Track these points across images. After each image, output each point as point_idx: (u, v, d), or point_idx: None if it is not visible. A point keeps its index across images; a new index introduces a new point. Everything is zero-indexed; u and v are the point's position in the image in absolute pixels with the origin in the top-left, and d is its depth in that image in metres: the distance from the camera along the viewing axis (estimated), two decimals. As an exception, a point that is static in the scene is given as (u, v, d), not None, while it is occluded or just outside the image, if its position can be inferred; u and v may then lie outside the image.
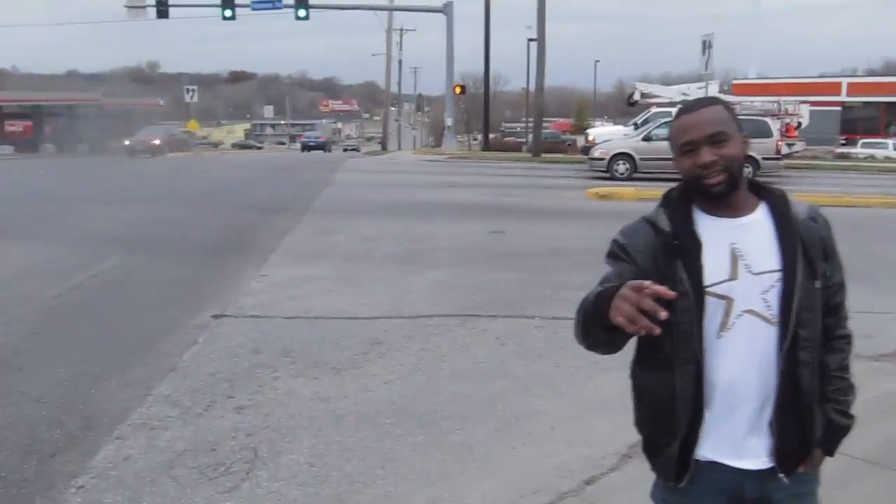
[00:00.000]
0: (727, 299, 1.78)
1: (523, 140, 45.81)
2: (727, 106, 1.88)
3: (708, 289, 1.77)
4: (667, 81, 33.88)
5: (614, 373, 5.38)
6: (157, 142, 39.23)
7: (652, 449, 1.96)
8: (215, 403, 4.74)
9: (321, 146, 55.99)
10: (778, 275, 1.78)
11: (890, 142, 40.11)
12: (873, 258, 8.92)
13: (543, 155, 32.18)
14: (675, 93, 26.15)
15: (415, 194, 17.20)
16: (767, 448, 1.82)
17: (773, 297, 1.78)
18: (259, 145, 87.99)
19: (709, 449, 1.84)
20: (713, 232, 1.82)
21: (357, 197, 16.78)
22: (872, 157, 35.16)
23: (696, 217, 1.85)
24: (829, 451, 1.94)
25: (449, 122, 35.86)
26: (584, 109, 78.30)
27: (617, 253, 1.90)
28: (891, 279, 8.23)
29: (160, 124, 50.77)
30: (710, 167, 1.77)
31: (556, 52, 34.13)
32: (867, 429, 3.11)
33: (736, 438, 1.82)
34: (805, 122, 25.82)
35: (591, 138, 29.10)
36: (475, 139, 52.74)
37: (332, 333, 6.23)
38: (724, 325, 1.79)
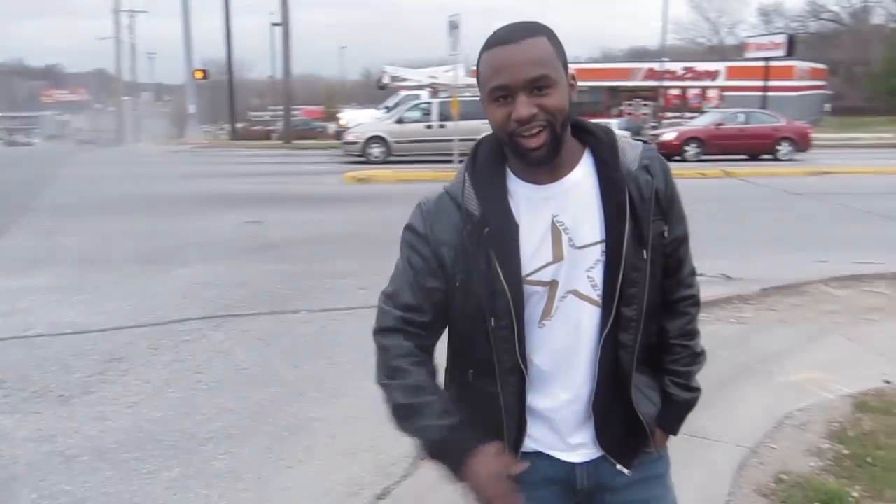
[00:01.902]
0: (552, 283, 1.46)
1: (273, 128, 44.35)
2: (552, 35, 1.42)
3: (528, 278, 1.45)
4: (412, 67, 34.31)
5: (394, 365, 5.01)
6: None
7: None
8: None
9: None
10: (602, 246, 1.45)
11: (614, 121, 44.23)
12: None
13: (295, 142, 31.32)
14: (423, 76, 26.43)
15: (159, 187, 15.69)
16: (594, 437, 1.55)
17: (599, 274, 1.46)
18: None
19: (533, 441, 1.56)
20: (531, 204, 1.46)
21: (91, 193, 14.93)
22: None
23: (510, 185, 1.48)
24: (671, 430, 1.65)
25: (191, 109, 33.60)
26: (333, 96, 77.84)
27: (415, 245, 1.52)
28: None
29: None
30: (528, 122, 1.36)
31: (301, 40, 33.26)
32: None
33: (563, 431, 1.55)
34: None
35: (343, 122, 28.73)
36: (222, 129, 50.14)
37: (59, 353, 5.18)
38: (546, 313, 1.48)
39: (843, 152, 26.41)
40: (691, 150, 21.47)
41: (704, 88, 45.67)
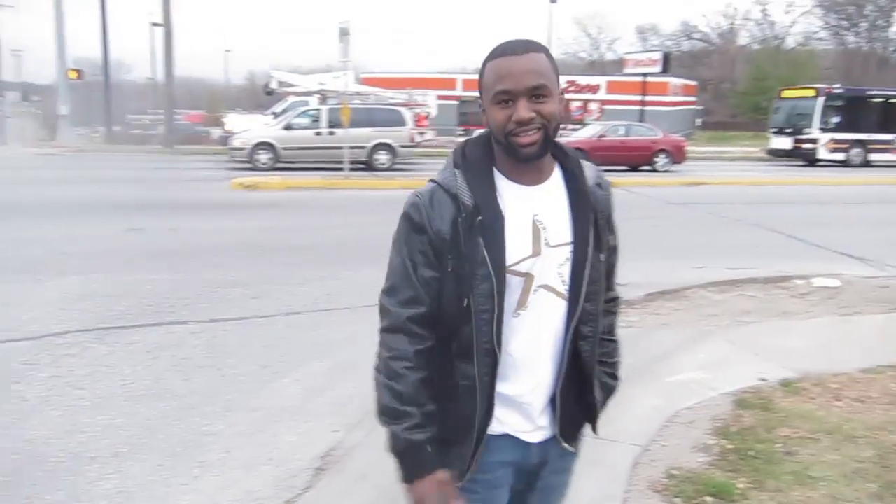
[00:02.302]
0: (527, 276, 1.63)
1: (153, 132, 42.63)
2: (549, 53, 1.62)
3: (511, 268, 1.60)
4: (298, 73, 33.66)
5: (290, 375, 4.91)
6: None
7: (441, 447, 1.70)
8: None
9: None
10: (570, 247, 1.65)
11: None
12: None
13: (178, 147, 30.21)
14: (312, 82, 26.12)
15: (28, 192, 14.73)
16: (552, 420, 1.74)
17: (567, 271, 1.66)
18: None
19: (500, 423, 1.71)
20: (516, 201, 1.62)
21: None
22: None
23: (497, 182, 1.63)
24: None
25: (63, 110, 31.78)
26: (217, 101, 75.62)
27: (412, 238, 1.63)
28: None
29: None
30: (527, 124, 1.55)
31: (182, 41, 32.08)
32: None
33: (530, 415, 1.72)
34: (434, 112, 27.60)
35: (228, 127, 27.95)
36: (97, 132, 47.64)
37: (-79, 371, 4.79)
38: (521, 304, 1.64)
39: (715, 164, 27.99)
40: (575, 160, 22.13)
41: (586, 101, 47.31)
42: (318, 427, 4.11)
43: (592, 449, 3.72)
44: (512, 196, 1.62)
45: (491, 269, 1.56)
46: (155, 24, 36.60)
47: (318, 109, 21.30)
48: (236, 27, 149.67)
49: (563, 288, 1.66)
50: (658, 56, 36.51)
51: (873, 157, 27.82)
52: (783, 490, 3.30)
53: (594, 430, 1.84)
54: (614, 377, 1.89)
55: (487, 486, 1.72)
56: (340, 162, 18.03)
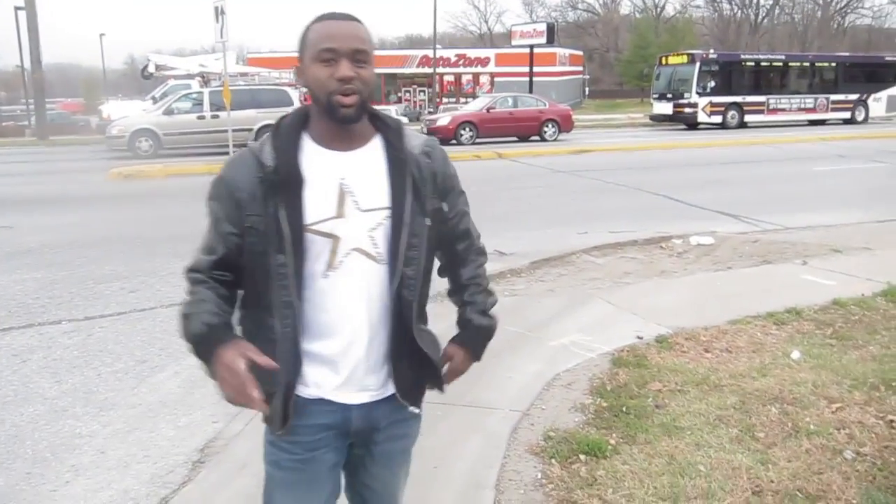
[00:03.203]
0: (333, 237, 1.68)
1: (25, 124, 40.21)
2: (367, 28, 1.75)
3: (310, 227, 1.67)
4: (181, 56, 32.40)
5: (169, 368, 4.77)
6: None
7: None
8: None
9: None
10: (386, 212, 1.72)
11: (392, 108, 44.82)
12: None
13: (52, 137, 28.65)
14: (192, 64, 25.22)
15: None
16: (379, 382, 1.79)
17: (381, 236, 1.72)
18: None
19: (313, 386, 1.75)
20: (321, 165, 1.70)
21: None
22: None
23: (305, 147, 1.72)
24: (475, 354, 1.96)
25: (-78, 104, 29.59)
26: (95, 87, 71.93)
27: (215, 195, 1.73)
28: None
29: None
30: (349, 82, 1.64)
31: (55, 25, 30.25)
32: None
33: (348, 375, 1.75)
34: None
35: (106, 115, 26.67)
36: (-38, 125, 44.55)
37: None
38: (331, 265, 1.70)
39: (602, 132, 28.81)
40: (465, 134, 22.26)
41: (476, 74, 47.66)
42: (198, 419, 4.01)
43: (473, 418, 3.82)
44: (318, 160, 1.70)
45: (287, 226, 1.63)
46: (19, 8, 34.24)
47: (199, 92, 20.59)
48: (113, 10, 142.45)
49: (377, 252, 1.72)
50: (542, 27, 36.97)
51: (749, 118, 29.30)
52: (652, 442, 3.44)
53: (441, 390, 1.91)
54: (484, 314, 1.94)
55: (306, 449, 1.77)
56: (225, 146, 17.54)
